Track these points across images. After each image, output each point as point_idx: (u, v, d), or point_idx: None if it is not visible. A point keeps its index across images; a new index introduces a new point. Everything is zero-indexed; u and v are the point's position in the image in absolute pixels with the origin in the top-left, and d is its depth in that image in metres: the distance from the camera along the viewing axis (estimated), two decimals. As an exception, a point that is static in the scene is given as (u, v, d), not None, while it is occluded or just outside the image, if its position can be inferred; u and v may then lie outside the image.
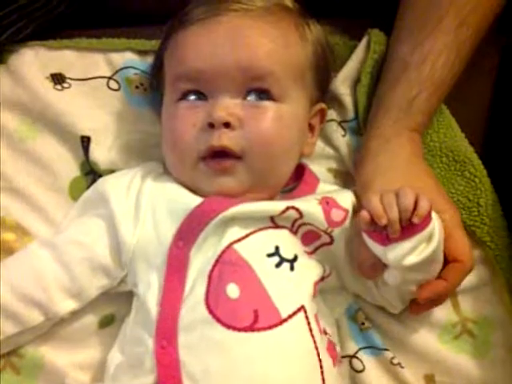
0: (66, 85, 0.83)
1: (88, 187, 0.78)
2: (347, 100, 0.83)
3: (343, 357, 0.76)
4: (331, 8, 0.83)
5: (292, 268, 0.70)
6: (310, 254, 0.73)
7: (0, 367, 0.73)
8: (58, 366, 0.74)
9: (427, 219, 0.65)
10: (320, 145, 0.83)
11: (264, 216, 0.71)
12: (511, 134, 0.85)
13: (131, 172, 0.76)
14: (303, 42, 0.76)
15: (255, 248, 0.70)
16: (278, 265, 0.70)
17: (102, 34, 0.85)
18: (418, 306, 0.75)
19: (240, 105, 0.71)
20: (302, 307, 0.68)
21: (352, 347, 0.78)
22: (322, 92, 0.79)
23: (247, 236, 0.70)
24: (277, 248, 0.70)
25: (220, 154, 0.71)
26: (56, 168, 0.80)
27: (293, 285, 0.70)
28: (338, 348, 0.74)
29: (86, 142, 0.80)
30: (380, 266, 0.70)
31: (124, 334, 0.72)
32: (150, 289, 0.70)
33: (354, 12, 0.86)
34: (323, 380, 0.67)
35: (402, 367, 0.77)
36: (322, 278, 0.73)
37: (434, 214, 0.67)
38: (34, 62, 0.83)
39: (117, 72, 0.84)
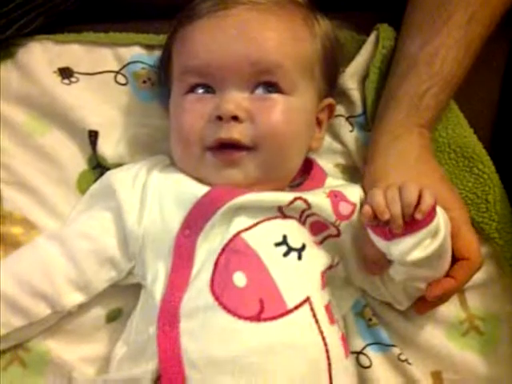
0: (73, 79, 0.83)
1: (95, 181, 0.79)
2: (355, 95, 0.83)
3: (350, 353, 0.75)
4: (340, 2, 0.83)
5: (300, 257, 0.70)
6: (318, 244, 0.73)
7: (7, 361, 0.73)
8: (65, 360, 0.74)
9: (431, 214, 0.65)
10: (327, 140, 0.83)
11: (272, 206, 0.71)
12: (520, 130, 0.85)
13: (138, 165, 0.76)
14: (312, 36, 0.76)
15: (263, 237, 0.70)
16: (285, 254, 0.70)
17: (110, 28, 0.85)
18: (423, 305, 0.75)
19: (248, 98, 0.71)
20: (308, 298, 0.68)
21: (359, 343, 0.78)
22: (330, 86, 0.79)
23: (255, 225, 0.70)
24: (284, 237, 0.70)
25: (227, 147, 0.71)
26: (64, 162, 0.80)
27: (300, 274, 0.70)
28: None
29: (93, 136, 0.80)
30: (385, 262, 0.70)
31: (130, 326, 0.72)
32: (157, 278, 0.70)
33: (363, 6, 0.86)
34: (330, 372, 0.67)
35: (410, 363, 0.77)
36: (330, 267, 0.73)
37: (439, 210, 0.67)
38: (41, 56, 0.83)
39: (124, 66, 0.84)
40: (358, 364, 0.77)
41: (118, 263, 0.73)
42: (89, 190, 0.78)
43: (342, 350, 0.70)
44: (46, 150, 0.81)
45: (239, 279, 0.67)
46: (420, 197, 0.65)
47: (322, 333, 0.68)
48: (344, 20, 0.83)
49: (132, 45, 0.84)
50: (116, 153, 0.80)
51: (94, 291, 0.73)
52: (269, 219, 0.71)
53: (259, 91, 0.72)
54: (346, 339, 0.72)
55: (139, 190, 0.73)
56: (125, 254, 0.73)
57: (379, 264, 0.72)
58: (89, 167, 0.81)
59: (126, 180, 0.74)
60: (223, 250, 0.69)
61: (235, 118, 0.70)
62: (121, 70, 0.84)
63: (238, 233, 0.69)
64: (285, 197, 0.71)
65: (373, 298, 0.79)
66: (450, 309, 0.78)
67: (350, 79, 0.83)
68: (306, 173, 0.78)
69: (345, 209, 0.72)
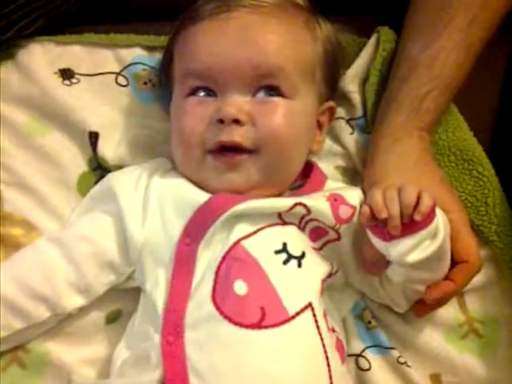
0: (74, 80, 0.83)
1: (96, 183, 0.79)
2: (356, 98, 0.83)
3: (349, 355, 0.76)
4: (340, 5, 0.83)
5: (300, 265, 0.70)
6: (318, 250, 0.73)
7: (6, 362, 0.73)
8: (65, 362, 0.74)
9: (430, 216, 0.65)
10: (328, 142, 0.83)
11: (272, 212, 0.71)
12: (520, 133, 0.85)
13: (139, 168, 0.76)
14: (313, 40, 0.76)
15: (263, 245, 0.70)
16: (285, 262, 0.70)
17: (111, 29, 0.85)
18: (422, 308, 0.75)
19: (249, 101, 0.71)
20: (310, 304, 0.68)
21: (358, 346, 0.78)
22: (331, 90, 0.80)
23: (255, 233, 0.70)
24: (284, 245, 0.70)
25: (229, 150, 0.71)
26: (64, 163, 0.80)
27: (300, 282, 0.70)
28: (344, 346, 0.73)
29: (94, 137, 0.80)
30: (384, 263, 0.71)
31: (131, 329, 0.72)
32: (157, 285, 0.70)
33: (363, 9, 0.86)
34: (330, 378, 0.67)
35: (409, 366, 0.77)
36: (330, 275, 0.73)
37: (439, 212, 0.67)
38: (42, 57, 0.83)
39: (125, 68, 0.84)
40: (357, 367, 0.77)
41: (118, 267, 0.73)
42: (89, 193, 0.78)
43: (338, 357, 0.70)
44: (47, 151, 0.80)
45: (240, 287, 0.67)
46: (419, 198, 0.65)
47: (322, 339, 0.68)
48: (345, 23, 0.83)
49: (133, 46, 0.84)
50: (116, 154, 0.80)
51: (94, 294, 0.73)
52: (269, 226, 0.71)
53: (260, 95, 0.72)
54: (342, 345, 0.72)
55: (141, 195, 0.73)
56: (124, 259, 0.73)
57: (378, 265, 0.72)
58: (89, 169, 0.81)
59: (128, 184, 0.74)
60: (224, 258, 0.69)
61: (236, 121, 0.70)
62: (122, 71, 0.84)
63: (239, 240, 0.69)
64: (285, 203, 0.71)
65: (372, 301, 0.79)
66: (449, 311, 0.78)
67: (350, 82, 0.83)
68: (306, 176, 0.78)
69: (345, 212, 0.72)
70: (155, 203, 0.73)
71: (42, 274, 0.71)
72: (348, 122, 0.83)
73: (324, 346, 0.67)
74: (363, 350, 0.77)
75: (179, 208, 0.72)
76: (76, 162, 0.81)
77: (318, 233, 0.73)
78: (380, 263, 0.71)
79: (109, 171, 0.79)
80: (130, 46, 0.84)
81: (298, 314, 0.67)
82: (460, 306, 0.79)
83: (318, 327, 0.68)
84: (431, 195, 0.65)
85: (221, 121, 0.70)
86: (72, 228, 0.75)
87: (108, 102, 0.82)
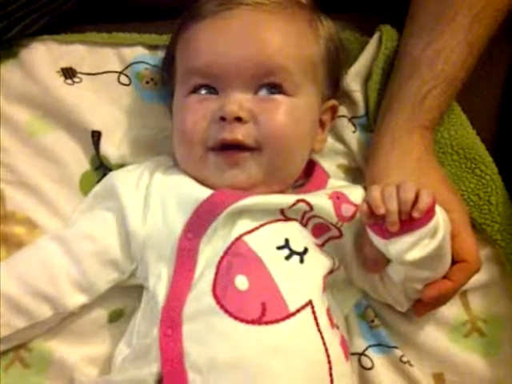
0: (76, 79, 0.83)
1: (98, 181, 0.79)
2: (358, 96, 0.83)
3: (352, 354, 0.76)
4: (342, 3, 0.83)
5: (302, 261, 0.70)
6: (320, 246, 0.73)
7: (9, 360, 0.73)
8: (67, 360, 0.74)
9: (430, 214, 0.65)
10: (330, 140, 0.83)
11: (274, 208, 0.71)
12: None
13: (141, 166, 0.76)
14: (316, 37, 0.76)
15: (265, 240, 0.70)
16: (287, 257, 0.70)
17: (113, 28, 0.85)
18: (421, 307, 0.75)
19: (251, 99, 0.71)
20: (310, 302, 0.68)
21: (361, 344, 0.77)
22: (334, 88, 0.80)
23: (257, 228, 0.70)
24: (287, 240, 0.70)
25: (231, 147, 0.71)
26: (66, 162, 0.80)
27: (302, 278, 0.70)
28: (348, 343, 0.73)
29: (96, 136, 0.80)
30: (384, 261, 0.70)
31: (132, 327, 0.72)
32: (159, 281, 0.70)
33: (366, 7, 0.86)
34: (331, 376, 0.67)
35: (412, 365, 0.76)
36: (331, 271, 0.73)
37: (439, 210, 0.67)
38: (44, 56, 0.83)
39: (128, 67, 0.84)
40: (360, 365, 0.77)
41: (120, 265, 0.73)
42: (91, 191, 0.78)
43: (342, 354, 0.70)
44: (49, 149, 0.80)
45: (241, 283, 0.67)
46: (418, 196, 0.64)
47: (322, 336, 0.67)
48: (347, 21, 0.83)
49: (135, 45, 0.85)
50: (119, 153, 0.80)
51: (96, 292, 0.73)
52: (271, 222, 0.71)
53: (263, 92, 0.72)
54: (346, 342, 0.72)
55: (143, 192, 0.73)
56: (127, 256, 0.73)
57: (379, 263, 0.72)
58: (91, 167, 0.81)
59: (130, 181, 0.74)
60: (225, 253, 0.69)
61: (238, 119, 0.70)
62: (124, 70, 0.84)
63: (240, 236, 0.69)
64: (287, 199, 0.71)
65: (374, 300, 0.78)
66: (452, 310, 0.78)
67: (352, 80, 0.83)
68: (309, 174, 0.78)
69: (347, 210, 0.72)
70: (157, 199, 0.73)
71: (45, 273, 0.71)
72: (350, 120, 0.83)
73: (324, 343, 0.67)
74: (366, 349, 0.77)
75: (181, 204, 0.71)
76: (78, 161, 0.81)
77: (320, 229, 0.73)
78: (380, 262, 0.71)
79: (111, 170, 0.79)
80: (132, 44, 0.84)
81: (298, 310, 0.67)
82: (463, 305, 0.79)
83: (317, 324, 0.68)
84: (430, 192, 0.65)
85: (223, 118, 0.70)
86: (74, 226, 0.75)
87: (110, 101, 0.83)
